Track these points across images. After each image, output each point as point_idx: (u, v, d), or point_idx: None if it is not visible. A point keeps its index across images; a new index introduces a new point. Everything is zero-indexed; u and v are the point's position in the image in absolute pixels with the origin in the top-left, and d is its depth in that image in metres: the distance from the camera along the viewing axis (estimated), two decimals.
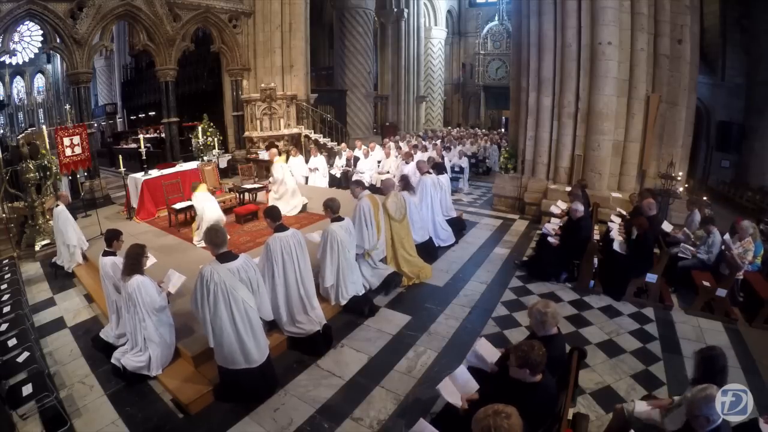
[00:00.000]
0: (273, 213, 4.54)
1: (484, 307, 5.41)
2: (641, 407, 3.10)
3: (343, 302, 5.18)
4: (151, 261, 4.26)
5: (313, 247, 4.99)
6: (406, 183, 6.90)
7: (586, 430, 3.23)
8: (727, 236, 5.83)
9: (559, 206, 7.42)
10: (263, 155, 11.21)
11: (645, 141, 8.04)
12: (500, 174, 9.95)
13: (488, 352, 3.46)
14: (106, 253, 4.44)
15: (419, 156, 9.92)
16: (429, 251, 6.84)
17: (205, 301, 3.45)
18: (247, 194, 8.83)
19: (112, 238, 4.50)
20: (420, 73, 21.36)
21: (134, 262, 3.89)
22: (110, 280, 4.37)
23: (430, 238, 7.14)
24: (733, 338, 4.76)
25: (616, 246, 5.91)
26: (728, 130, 13.14)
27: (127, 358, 4.00)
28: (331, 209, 5.07)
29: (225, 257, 3.54)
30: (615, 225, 6.68)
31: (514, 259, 6.89)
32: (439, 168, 8.16)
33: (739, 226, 5.72)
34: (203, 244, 6.00)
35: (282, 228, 4.47)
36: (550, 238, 6.31)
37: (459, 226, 8.11)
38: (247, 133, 12.44)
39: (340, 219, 5.09)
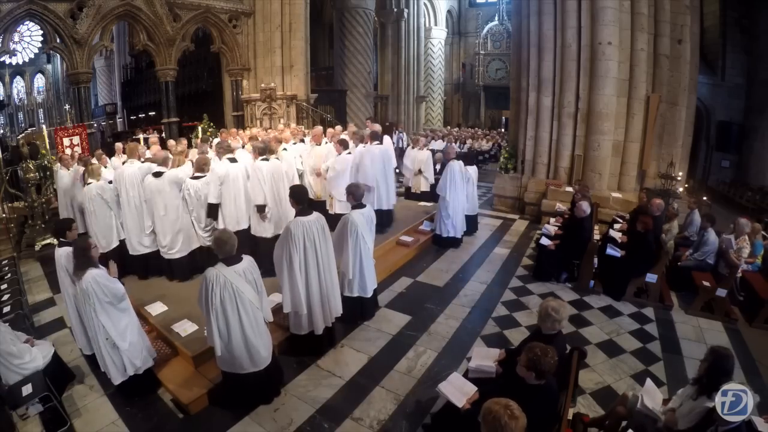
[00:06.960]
0: (297, 193, 4.24)
1: (484, 307, 5.41)
2: (649, 386, 3.15)
3: (368, 296, 4.94)
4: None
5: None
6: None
7: (586, 431, 3.25)
8: (725, 235, 5.83)
9: (563, 206, 7.41)
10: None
11: (645, 141, 8.04)
12: (500, 174, 9.94)
13: (485, 358, 3.46)
14: (62, 244, 4.05)
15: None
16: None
17: (210, 304, 3.31)
18: None
19: (64, 228, 4.10)
20: (420, 73, 21.31)
21: (84, 256, 3.51)
22: (66, 273, 3.95)
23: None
24: (733, 338, 4.76)
25: (610, 251, 5.80)
26: (728, 130, 13.14)
27: (114, 370, 3.66)
28: (354, 196, 4.76)
29: (230, 260, 3.42)
30: (617, 234, 6.36)
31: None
32: (467, 159, 7.66)
33: (737, 223, 5.73)
34: None
35: (306, 211, 4.14)
36: (545, 241, 6.23)
37: (472, 227, 7.93)
38: None
39: (361, 206, 4.79)
